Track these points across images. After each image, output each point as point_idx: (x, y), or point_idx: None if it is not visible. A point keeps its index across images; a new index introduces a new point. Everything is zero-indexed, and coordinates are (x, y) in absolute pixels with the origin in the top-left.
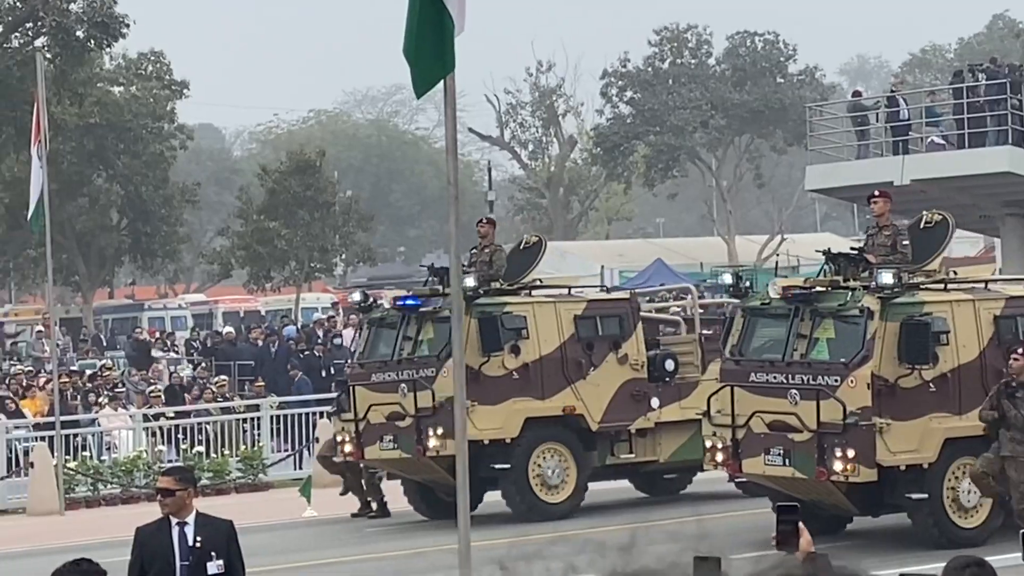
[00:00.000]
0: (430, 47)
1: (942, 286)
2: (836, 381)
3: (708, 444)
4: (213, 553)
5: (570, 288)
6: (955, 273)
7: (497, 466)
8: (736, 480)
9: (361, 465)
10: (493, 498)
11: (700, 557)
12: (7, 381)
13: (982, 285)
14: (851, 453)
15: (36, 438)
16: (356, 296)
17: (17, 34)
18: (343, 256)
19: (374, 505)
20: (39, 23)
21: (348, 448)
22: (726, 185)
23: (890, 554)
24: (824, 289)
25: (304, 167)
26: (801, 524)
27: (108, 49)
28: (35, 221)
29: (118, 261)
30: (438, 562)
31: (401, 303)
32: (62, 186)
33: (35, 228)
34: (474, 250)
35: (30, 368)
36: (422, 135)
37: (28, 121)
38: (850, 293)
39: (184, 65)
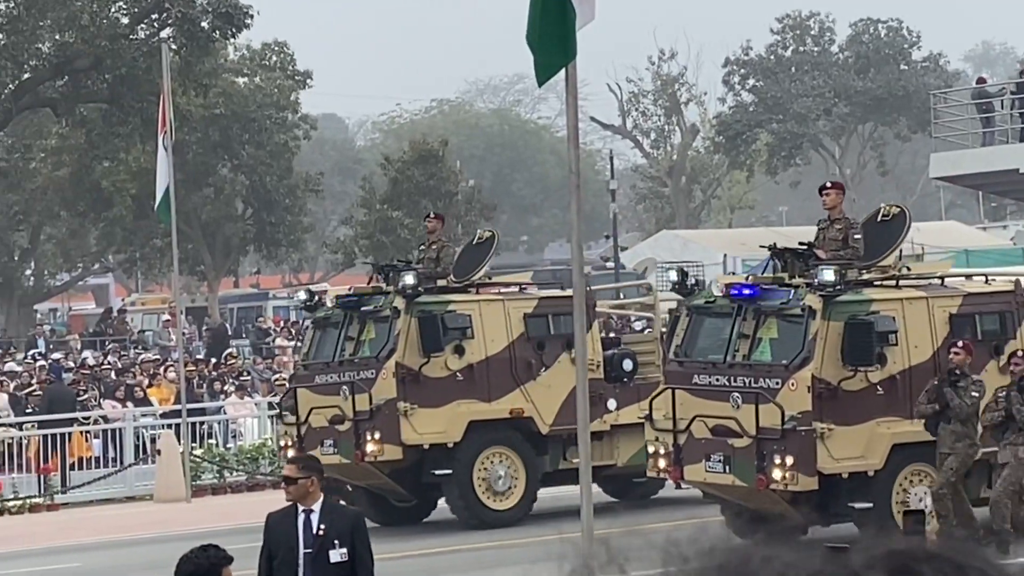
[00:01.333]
0: (552, 36)
1: (894, 283)
2: (777, 384)
3: (650, 450)
4: (336, 541)
5: (521, 286)
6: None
7: (438, 472)
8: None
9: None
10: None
11: (830, 546)
12: (132, 369)
13: (938, 282)
14: (790, 460)
15: (163, 426)
16: (301, 295)
17: (143, 25)
18: None
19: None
20: (165, 14)
21: (290, 453)
22: (850, 173)
23: None
24: (768, 287)
25: (427, 156)
26: (928, 528)
27: (232, 40)
28: (162, 211)
29: (243, 250)
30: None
31: (343, 302)
32: (188, 176)
33: (162, 218)
34: (422, 246)
35: (157, 357)
36: (544, 124)
37: (154, 112)
38: (793, 291)
39: (307, 55)
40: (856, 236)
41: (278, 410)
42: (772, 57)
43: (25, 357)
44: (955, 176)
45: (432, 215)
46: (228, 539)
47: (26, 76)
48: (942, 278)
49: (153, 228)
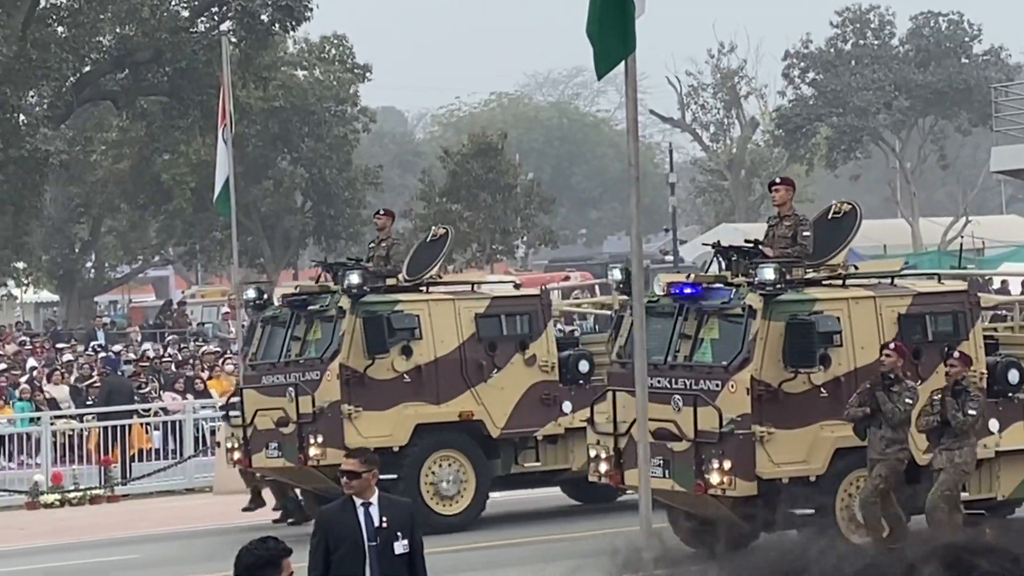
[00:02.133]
0: (612, 28)
1: (840, 282)
2: (717, 386)
3: (592, 454)
4: (399, 533)
5: (474, 284)
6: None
7: (383, 476)
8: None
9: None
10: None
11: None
12: (192, 361)
13: (888, 281)
14: (728, 464)
15: (222, 418)
16: (251, 293)
17: (203, 18)
18: (524, 238)
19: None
20: (224, 7)
21: (236, 455)
22: (910, 167)
23: None
24: (710, 286)
25: (486, 149)
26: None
27: (292, 33)
28: (222, 204)
29: (302, 243)
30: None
31: (289, 301)
32: (247, 169)
33: (222, 211)
34: (372, 244)
35: (217, 349)
36: (603, 117)
37: (214, 105)
38: (734, 290)
39: (366, 48)
40: (805, 233)
41: (225, 412)
42: (832, 50)
43: (85, 349)
44: (1016, 170)
45: (381, 211)
46: (287, 531)
47: (87, 69)
48: (892, 277)
49: (213, 221)
